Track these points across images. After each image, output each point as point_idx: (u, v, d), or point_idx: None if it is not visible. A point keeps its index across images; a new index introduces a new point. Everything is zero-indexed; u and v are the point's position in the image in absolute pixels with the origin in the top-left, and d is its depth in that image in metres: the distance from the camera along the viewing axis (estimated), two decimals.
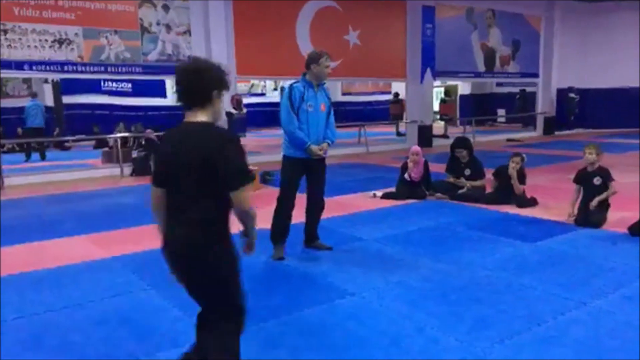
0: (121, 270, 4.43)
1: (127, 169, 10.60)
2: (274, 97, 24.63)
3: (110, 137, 12.92)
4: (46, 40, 9.66)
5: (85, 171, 10.84)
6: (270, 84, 24.85)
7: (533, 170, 7.92)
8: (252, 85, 24.98)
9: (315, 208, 4.75)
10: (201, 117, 2.28)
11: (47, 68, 9.80)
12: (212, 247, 2.27)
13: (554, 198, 6.78)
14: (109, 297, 3.81)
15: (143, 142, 12.55)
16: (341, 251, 4.79)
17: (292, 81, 4.61)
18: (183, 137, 2.28)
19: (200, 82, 2.25)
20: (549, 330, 3.11)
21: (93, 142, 15.73)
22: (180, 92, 2.27)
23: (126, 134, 13.09)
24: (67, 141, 15.80)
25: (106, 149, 12.97)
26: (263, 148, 14.28)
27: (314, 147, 4.47)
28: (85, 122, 17.01)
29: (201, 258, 2.25)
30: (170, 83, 21.43)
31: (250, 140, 13.52)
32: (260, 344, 2.99)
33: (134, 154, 11.76)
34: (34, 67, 9.62)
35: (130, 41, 10.52)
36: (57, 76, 13.54)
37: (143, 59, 10.71)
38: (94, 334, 3.22)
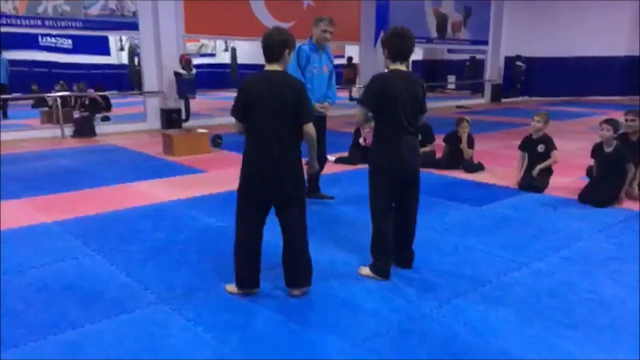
0: (64, 236, 4.25)
1: (69, 130, 10.13)
2: (224, 58, 23.95)
3: (50, 96, 12.24)
4: None
5: (23, 132, 10.27)
6: (220, 44, 24.09)
7: (480, 137, 8.11)
8: (202, 46, 24.16)
9: (320, 164, 4.83)
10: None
11: None
12: None
13: (499, 164, 6.99)
14: (51, 263, 3.66)
15: (86, 102, 12.00)
16: None
17: (300, 43, 4.68)
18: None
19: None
20: (493, 290, 3.23)
21: (31, 101, 14.87)
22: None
23: (67, 93, 12.44)
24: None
25: (46, 108, 12.29)
26: (213, 110, 13.94)
27: (317, 104, 4.75)
28: (23, 79, 16.03)
29: None
30: (113, 40, 20.51)
31: (199, 102, 13.14)
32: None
33: (76, 115, 11.23)
34: None
35: None
36: None
37: (84, 13, 10.10)
38: (35, 301, 3.09)
